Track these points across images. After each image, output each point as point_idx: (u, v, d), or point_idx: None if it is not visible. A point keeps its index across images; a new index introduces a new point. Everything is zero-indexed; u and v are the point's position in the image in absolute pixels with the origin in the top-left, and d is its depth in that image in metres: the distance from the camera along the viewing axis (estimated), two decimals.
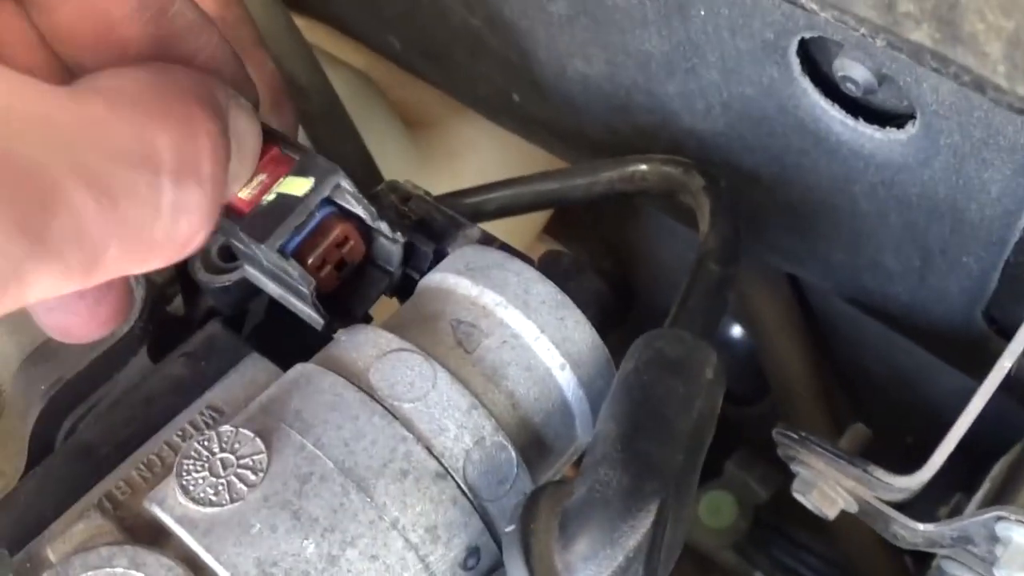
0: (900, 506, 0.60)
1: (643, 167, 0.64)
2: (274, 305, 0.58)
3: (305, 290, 0.51)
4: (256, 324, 0.59)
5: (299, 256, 0.51)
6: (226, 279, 0.58)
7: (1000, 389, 0.58)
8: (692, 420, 0.45)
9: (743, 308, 0.94)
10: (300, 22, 0.86)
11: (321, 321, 0.52)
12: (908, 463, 0.58)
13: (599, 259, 1.07)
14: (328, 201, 0.51)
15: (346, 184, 0.50)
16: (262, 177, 0.49)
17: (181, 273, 0.61)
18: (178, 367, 0.56)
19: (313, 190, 0.49)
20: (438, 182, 0.79)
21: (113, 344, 0.57)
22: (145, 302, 0.57)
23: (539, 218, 1.01)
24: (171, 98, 0.41)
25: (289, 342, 0.58)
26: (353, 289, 0.54)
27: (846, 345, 0.92)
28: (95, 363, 0.57)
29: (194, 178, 0.40)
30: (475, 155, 0.93)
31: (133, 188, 0.38)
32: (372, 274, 0.54)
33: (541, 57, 0.67)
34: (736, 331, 1.03)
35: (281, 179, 0.49)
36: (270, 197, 0.49)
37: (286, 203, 0.49)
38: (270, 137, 0.50)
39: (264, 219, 0.49)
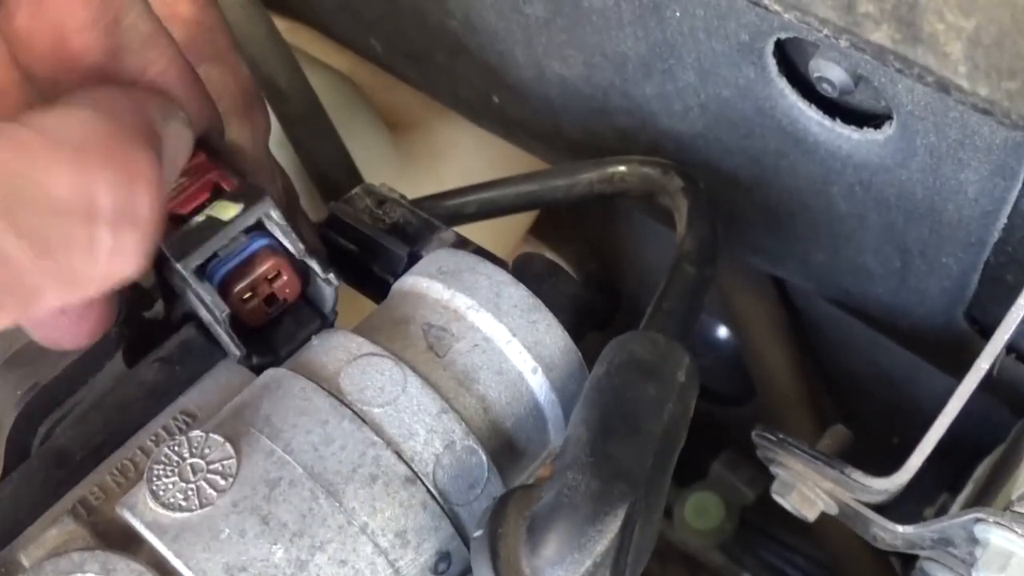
0: (881, 508, 0.60)
1: (622, 168, 0.64)
2: None
3: (219, 316, 0.50)
4: None
5: (226, 284, 0.50)
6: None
7: (983, 390, 0.58)
8: (663, 423, 0.45)
9: (728, 309, 0.94)
10: (283, 25, 0.86)
11: (237, 353, 0.51)
12: (895, 464, 0.58)
13: (585, 261, 1.07)
14: (266, 234, 0.50)
15: (275, 214, 0.49)
16: (189, 191, 0.50)
17: (159, 277, 0.60)
18: (152, 372, 0.55)
19: (239, 215, 0.49)
20: (421, 184, 0.79)
21: (88, 349, 0.56)
22: (121, 306, 0.57)
23: (524, 220, 1.01)
24: (113, 141, 0.40)
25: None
26: (283, 327, 0.53)
27: (831, 346, 0.92)
28: (70, 368, 0.56)
29: (131, 223, 0.40)
30: (458, 157, 0.93)
31: (71, 239, 0.38)
32: (306, 315, 0.53)
33: (519, 59, 0.67)
34: (722, 332, 1.03)
35: (216, 202, 0.50)
36: (200, 219, 0.49)
37: (211, 226, 0.49)
38: (214, 159, 0.50)
39: (189, 239, 0.49)
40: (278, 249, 0.50)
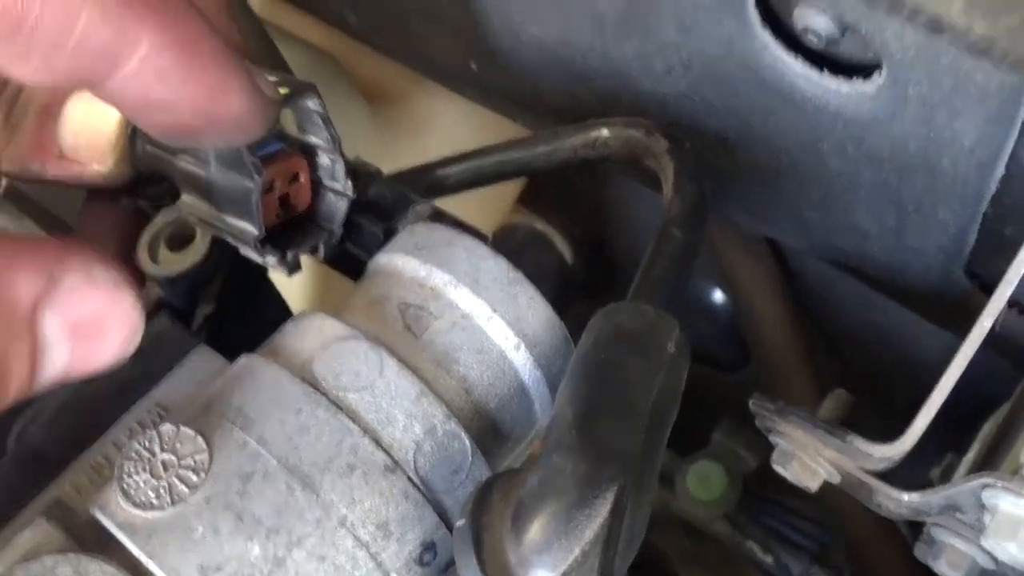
0: (885, 474, 0.58)
1: (605, 132, 0.62)
2: (225, 294, 0.57)
3: (251, 185, 0.49)
4: (208, 315, 0.57)
5: None
6: (173, 269, 0.55)
7: (987, 346, 0.57)
8: (652, 399, 0.43)
9: (721, 271, 0.92)
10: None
11: (255, 232, 0.50)
12: (900, 425, 0.56)
13: (576, 229, 1.05)
14: (286, 139, 0.51)
15: (316, 104, 0.50)
16: None
17: None
18: (125, 364, 0.53)
19: (289, 96, 0.49)
20: (403, 157, 0.77)
21: None
22: None
23: (512, 189, 0.99)
24: None
25: (242, 332, 0.56)
26: (291, 234, 0.53)
27: (829, 307, 0.90)
28: None
29: None
30: (440, 128, 0.91)
31: None
32: (313, 228, 0.54)
33: (495, 23, 0.65)
34: (718, 296, 1.01)
35: None
36: None
37: None
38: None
39: None
40: (297, 153, 0.52)
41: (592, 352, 0.44)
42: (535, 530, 0.39)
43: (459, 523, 0.40)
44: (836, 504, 0.93)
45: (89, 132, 0.55)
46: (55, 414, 0.54)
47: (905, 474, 0.58)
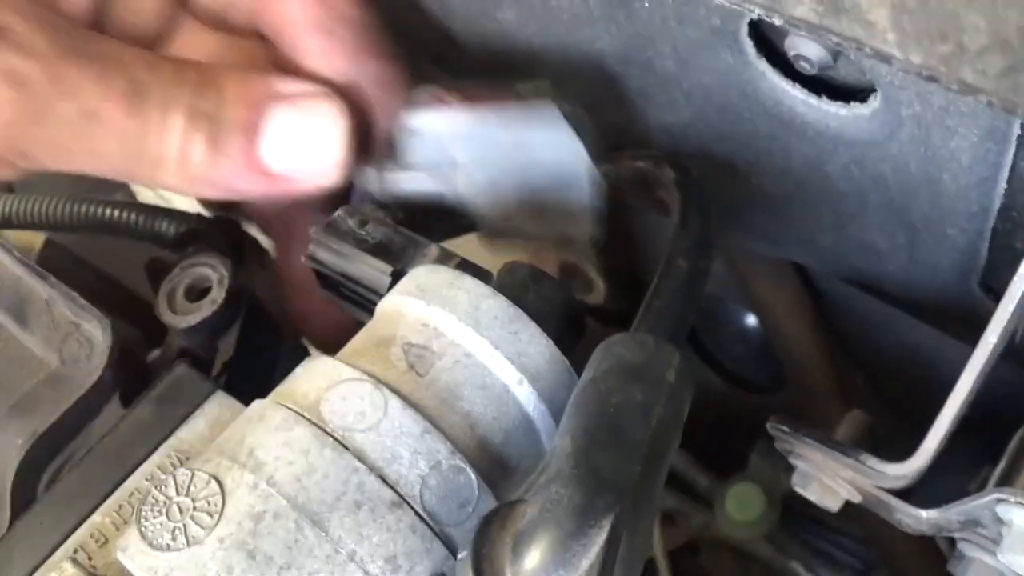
0: (910, 491, 0.58)
1: (614, 164, 0.63)
2: (243, 341, 0.58)
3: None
4: (226, 361, 0.59)
5: None
6: (192, 319, 0.57)
7: (1011, 359, 0.57)
8: (650, 428, 0.44)
9: (750, 295, 0.92)
10: None
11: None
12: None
13: (607, 259, 1.05)
14: None
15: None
16: None
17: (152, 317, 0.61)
18: (147, 412, 0.55)
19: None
20: None
21: (83, 394, 0.57)
22: (112, 349, 0.57)
23: None
24: None
25: (261, 376, 0.57)
26: None
27: (858, 325, 0.90)
28: (67, 414, 0.56)
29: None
30: None
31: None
32: None
33: (500, 64, 0.66)
34: (752, 320, 1.01)
35: None
36: None
37: None
38: None
39: None
40: None
41: (591, 385, 0.45)
42: (533, 560, 0.40)
43: (461, 555, 0.41)
44: (874, 522, 0.93)
45: (305, 149, 0.54)
46: (82, 460, 0.56)
47: (948, 487, 0.58)
